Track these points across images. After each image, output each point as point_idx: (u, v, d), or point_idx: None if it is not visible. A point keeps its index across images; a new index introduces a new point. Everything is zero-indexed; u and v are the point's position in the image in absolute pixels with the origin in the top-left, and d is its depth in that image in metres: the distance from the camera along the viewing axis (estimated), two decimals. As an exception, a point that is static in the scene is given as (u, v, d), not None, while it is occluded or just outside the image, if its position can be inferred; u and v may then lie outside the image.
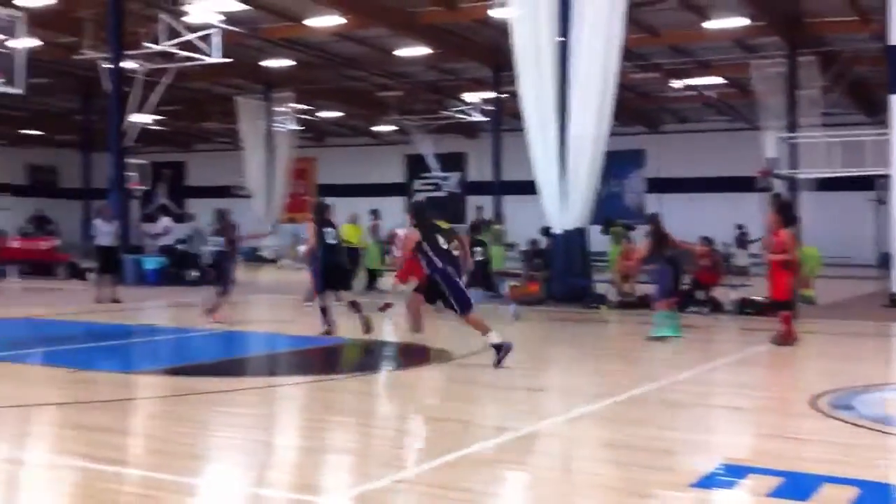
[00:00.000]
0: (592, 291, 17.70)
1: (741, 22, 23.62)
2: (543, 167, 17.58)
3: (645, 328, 12.36)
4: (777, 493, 5.11)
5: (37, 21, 17.05)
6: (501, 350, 9.12)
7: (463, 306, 9.46)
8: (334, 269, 12.09)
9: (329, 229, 12.05)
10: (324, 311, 12.03)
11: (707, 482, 5.39)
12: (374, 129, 43.52)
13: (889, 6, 17.64)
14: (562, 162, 17.27)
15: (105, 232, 16.99)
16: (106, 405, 7.52)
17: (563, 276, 17.67)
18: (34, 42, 20.34)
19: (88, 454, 5.81)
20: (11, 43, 20.37)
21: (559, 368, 10.62)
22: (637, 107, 35.19)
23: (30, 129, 45.32)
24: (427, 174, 43.17)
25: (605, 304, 17.02)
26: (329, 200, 14.40)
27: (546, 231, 18.27)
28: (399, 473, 5.51)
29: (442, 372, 9.60)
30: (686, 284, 15.00)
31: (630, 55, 17.62)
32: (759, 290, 14.82)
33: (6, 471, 5.68)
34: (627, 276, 17.41)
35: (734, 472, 5.54)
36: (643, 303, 15.35)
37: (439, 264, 9.47)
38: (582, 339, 13.13)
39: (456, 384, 8.99)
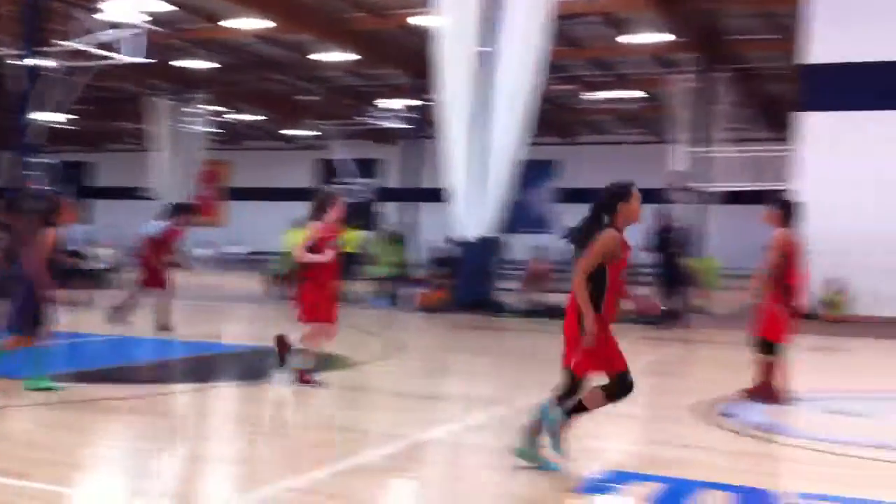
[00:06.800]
0: (494, 299, 18.02)
1: (662, 38, 23.78)
2: (456, 175, 17.68)
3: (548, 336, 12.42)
4: (659, 500, 5.21)
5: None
6: None
7: None
8: None
9: None
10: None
11: (591, 488, 5.51)
12: (286, 132, 42.94)
13: (803, 27, 18.29)
14: (476, 170, 17.40)
15: None
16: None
17: (468, 284, 17.81)
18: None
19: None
20: None
21: (459, 376, 10.65)
22: (553, 118, 35.55)
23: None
24: (338, 179, 42.66)
25: (507, 311, 17.37)
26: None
27: (450, 241, 18.44)
28: (288, 481, 5.43)
29: (334, 378, 9.44)
30: None
31: (550, 67, 17.84)
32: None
33: None
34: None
35: (618, 479, 5.65)
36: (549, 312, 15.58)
37: None
38: (484, 347, 13.20)
39: (349, 391, 8.91)
